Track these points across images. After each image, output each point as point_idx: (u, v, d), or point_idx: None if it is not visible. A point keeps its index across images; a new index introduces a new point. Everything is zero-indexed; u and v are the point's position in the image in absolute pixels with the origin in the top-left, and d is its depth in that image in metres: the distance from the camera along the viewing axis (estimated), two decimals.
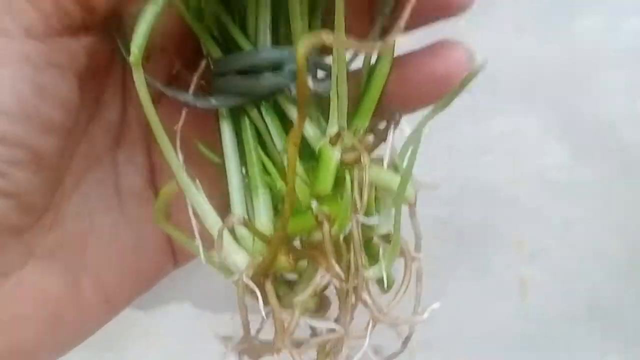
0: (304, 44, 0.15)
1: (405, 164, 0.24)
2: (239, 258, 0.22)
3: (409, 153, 0.24)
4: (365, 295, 0.23)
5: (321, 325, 0.23)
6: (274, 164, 0.25)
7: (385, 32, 0.26)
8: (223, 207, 0.25)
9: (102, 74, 0.27)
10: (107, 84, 0.28)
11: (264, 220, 0.23)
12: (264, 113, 0.25)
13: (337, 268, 0.21)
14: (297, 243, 0.24)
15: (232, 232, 0.23)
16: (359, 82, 0.27)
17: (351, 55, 0.29)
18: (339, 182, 0.23)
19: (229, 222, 0.22)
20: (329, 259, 0.21)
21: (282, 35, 0.25)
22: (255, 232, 0.22)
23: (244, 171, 0.25)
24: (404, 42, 0.28)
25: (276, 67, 0.24)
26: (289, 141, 0.19)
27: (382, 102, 0.27)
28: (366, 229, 0.24)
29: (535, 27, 0.81)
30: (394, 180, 0.23)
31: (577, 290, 0.61)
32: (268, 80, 0.24)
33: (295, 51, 0.23)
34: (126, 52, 0.22)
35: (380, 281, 0.25)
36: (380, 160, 0.25)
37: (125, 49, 0.23)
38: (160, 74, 0.29)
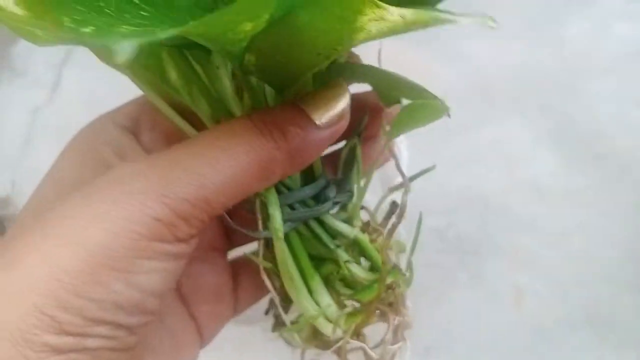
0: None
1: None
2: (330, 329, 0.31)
3: None
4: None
5: None
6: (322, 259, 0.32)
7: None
8: None
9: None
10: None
11: (326, 298, 0.31)
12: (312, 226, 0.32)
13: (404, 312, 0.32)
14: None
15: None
16: None
17: None
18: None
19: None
20: (401, 308, 0.32)
21: None
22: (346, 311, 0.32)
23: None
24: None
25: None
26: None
27: None
28: None
29: (525, 35, 0.81)
30: None
31: (572, 297, 0.62)
32: (328, 206, 0.31)
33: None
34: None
35: None
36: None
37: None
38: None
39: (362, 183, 0.34)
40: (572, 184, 0.68)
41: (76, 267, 0.21)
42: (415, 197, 0.34)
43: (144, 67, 0.26)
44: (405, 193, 0.32)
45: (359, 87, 0.33)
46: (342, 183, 0.33)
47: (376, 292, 0.30)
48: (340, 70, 0.28)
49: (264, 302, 0.39)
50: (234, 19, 0.16)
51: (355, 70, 0.30)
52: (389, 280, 0.31)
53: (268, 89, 0.27)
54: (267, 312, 0.36)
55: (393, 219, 0.33)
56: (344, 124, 0.26)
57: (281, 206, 0.29)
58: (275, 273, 0.31)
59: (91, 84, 0.76)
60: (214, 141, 0.24)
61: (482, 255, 0.65)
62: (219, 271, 0.34)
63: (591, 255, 0.64)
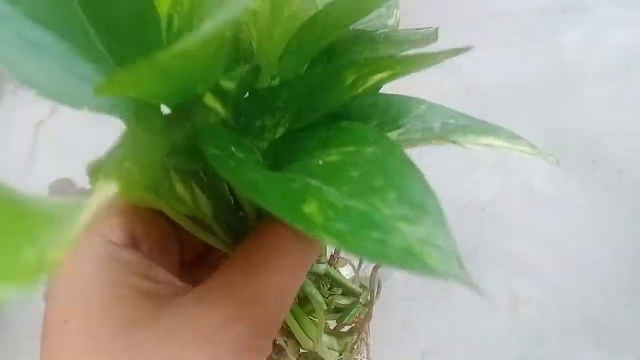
0: None
1: None
2: None
3: None
4: None
5: None
6: None
7: None
8: None
9: None
10: None
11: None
12: None
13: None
14: None
15: None
16: None
17: None
18: None
19: None
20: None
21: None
22: None
23: None
24: None
25: None
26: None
27: None
28: None
29: (520, 43, 0.82)
30: None
31: (568, 301, 0.62)
32: None
33: None
34: None
35: None
36: None
37: None
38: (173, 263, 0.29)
39: None
40: (567, 190, 0.69)
41: None
42: None
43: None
44: None
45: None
46: None
47: (357, 314, 0.34)
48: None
49: None
50: None
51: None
52: (363, 300, 0.34)
53: None
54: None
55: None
56: None
57: None
58: None
59: None
60: (272, 263, 0.23)
61: (478, 261, 0.65)
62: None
63: (586, 260, 0.64)
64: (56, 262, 0.09)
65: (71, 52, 0.15)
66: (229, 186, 0.24)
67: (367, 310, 0.35)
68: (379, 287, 0.36)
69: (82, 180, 0.66)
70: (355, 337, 0.34)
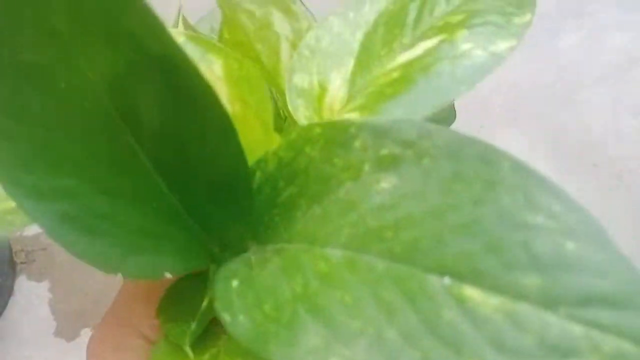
0: None
1: None
2: None
3: None
4: None
5: None
6: None
7: None
8: None
9: None
10: None
11: None
12: None
13: None
14: None
15: None
16: None
17: None
18: None
19: None
20: None
21: None
22: None
23: None
24: None
25: None
26: None
27: None
28: None
29: (520, 46, 0.80)
30: None
31: None
32: None
33: None
34: None
35: None
36: None
37: None
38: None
39: None
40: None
41: None
42: None
43: None
44: None
45: None
46: None
47: None
48: None
49: None
50: None
51: None
52: None
53: None
54: None
55: None
56: None
57: None
58: None
59: None
60: None
61: None
62: None
63: None
64: None
65: (142, 216, 0.14)
66: None
67: None
68: None
69: None
70: None
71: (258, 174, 0.15)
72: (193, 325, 0.16)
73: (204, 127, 0.13)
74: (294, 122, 0.17)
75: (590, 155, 0.71)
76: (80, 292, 0.70)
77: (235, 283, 0.14)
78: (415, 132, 0.13)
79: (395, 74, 0.15)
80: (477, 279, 0.10)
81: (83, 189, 0.13)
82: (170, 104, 0.12)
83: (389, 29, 0.17)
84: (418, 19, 0.17)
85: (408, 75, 0.15)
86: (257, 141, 0.15)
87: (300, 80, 0.17)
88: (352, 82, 0.17)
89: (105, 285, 0.66)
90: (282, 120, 0.19)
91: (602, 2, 0.82)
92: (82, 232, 0.13)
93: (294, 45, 0.18)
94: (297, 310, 0.12)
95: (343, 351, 0.10)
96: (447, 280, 0.11)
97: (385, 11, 0.18)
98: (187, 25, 0.27)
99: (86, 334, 0.64)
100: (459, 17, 0.15)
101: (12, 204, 0.17)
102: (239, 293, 0.13)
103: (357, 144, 0.14)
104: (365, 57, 0.17)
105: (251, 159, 0.15)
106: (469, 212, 0.11)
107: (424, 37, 0.16)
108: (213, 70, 0.15)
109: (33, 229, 0.69)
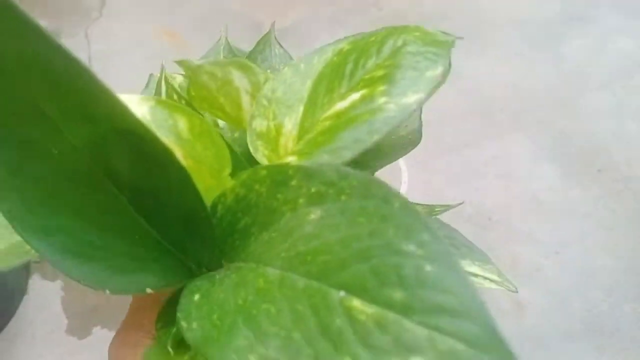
0: None
1: None
2: None
3: None
4: None
5: None
6: None
7: None
8: None
9: None
10: None
11: None
12: None
13: None
14: None
15: None
16: None
17: None
18: None
19: None
20: None
21: None
22: None
23: None
24: None
25: None
26: None
27: None
28: None
29: (524, 52, 0.83)
30: None
31: (572, 307, 0.64)
32: None
33: None
34: None
35: None
36: None
37: None
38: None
39: None
40: (571, 197, 0.71)
41: None
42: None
43: None
44: None
45: None
46: None
47: None
48: None
49: None
50: None
51: None
52: None
53: None
54: None
55: None
56: None
57: None
58: None
59: None
60: None
61: None
62: None
63: (590, 266, 0.66)
64: None
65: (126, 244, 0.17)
66: None
67: None
68: None
69: None
70: None
71: (219, 207, 0.18)
72: (174, 330, 0.20)
73: (167, 179, 0.16)
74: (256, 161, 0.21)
75: (595, 160, 0.72)
76: (92, 291, 0.73)
77: (197, 297, 0.17)
78: (336, 175, 0.16)
79: (327, 123, 0.19)
80: (362, 293, 0.14)
81: (78, 226, 0.17)
82: (140, 163, 0.16)
83: (331, 80, 0.20)
84: (353, 71, 0.20)
85: (336, 126, 0.18)
86: (212, 186, 0.19)
87: (259, 125, 0.21)
88: (302, 125, 0.20)
89: None
90: (249, 157, 0.22)
91: (607, 7, 0.82)
92: (79, 260, 0.17)
93: (253, 96, 0.21)
94: (236, 319, 0.15)
95: (261, 350, 0.14)
96: (342, 294, 0.14)
97: (330, 63, 0.21)
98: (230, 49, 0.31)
99: (97, 332, 0.66)
100: (380, 73, 0.19)
101: None
102: (198, 305, 0.17)
103: (294, 182, 0.17)
104: (312, 104, 0.20)
105: (210, 197, 0.18)
106: (366, 241, 0.15)
107: (354, 89, 0.19)
108: (178, 126, 0.18)
109: None
